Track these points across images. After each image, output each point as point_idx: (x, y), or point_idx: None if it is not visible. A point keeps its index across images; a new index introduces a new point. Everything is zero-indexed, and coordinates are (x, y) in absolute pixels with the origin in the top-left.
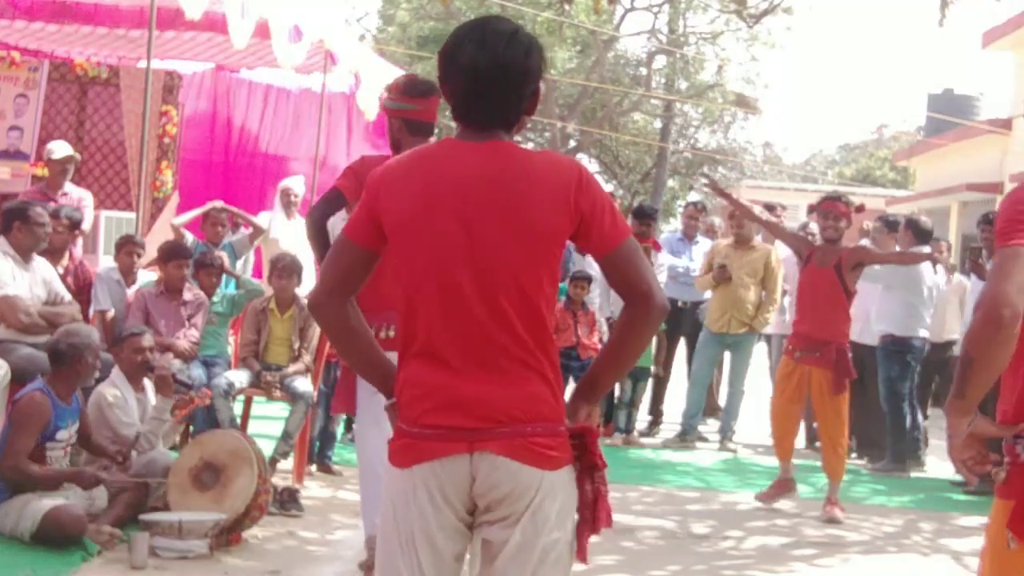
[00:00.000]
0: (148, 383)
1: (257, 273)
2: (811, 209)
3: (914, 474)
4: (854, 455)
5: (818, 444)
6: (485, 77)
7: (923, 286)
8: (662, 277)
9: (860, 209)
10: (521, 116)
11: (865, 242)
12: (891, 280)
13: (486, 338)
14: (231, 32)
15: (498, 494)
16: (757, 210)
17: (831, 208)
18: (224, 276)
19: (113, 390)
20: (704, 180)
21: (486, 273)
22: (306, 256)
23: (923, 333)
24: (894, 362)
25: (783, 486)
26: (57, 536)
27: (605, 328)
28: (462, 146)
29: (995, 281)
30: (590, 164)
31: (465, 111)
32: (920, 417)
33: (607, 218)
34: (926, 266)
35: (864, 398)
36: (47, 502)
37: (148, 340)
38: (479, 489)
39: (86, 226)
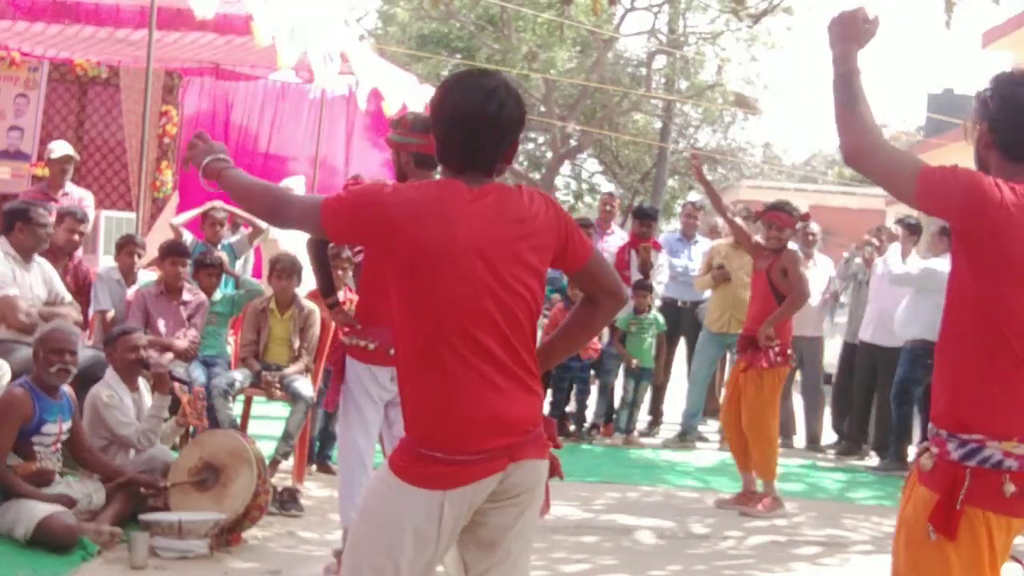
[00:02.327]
0: (143, 382)
1: (257, 273)
2: (756, 217)
3: None
4: (872, 457)
5: (826, 444)
6: (465, 127)
7: None
8: (663, 277)
9: (805, 217)
10: (500, 163)
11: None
12: (926, 284)
13: (508, 362)
14: (255, 31)
15: (519, 488)
16: (735, 213)
17: (775, 219)
18: (224, 276)
19: (107, 390)
20: (694, 162)
21: (506, 306)
22: (305, 256)
23: None
24: (919, 366)
25: (747, 497)
26: (49, 545)
27: (605, 328)
28: (465, 189)
29: (893, 152)
30: (590, 164)
31: (448, 156)
32: None
33: (577, 237)
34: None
35: (882, 399)
36: (42, 508)
37: (140, 338)
38: (504, 486)
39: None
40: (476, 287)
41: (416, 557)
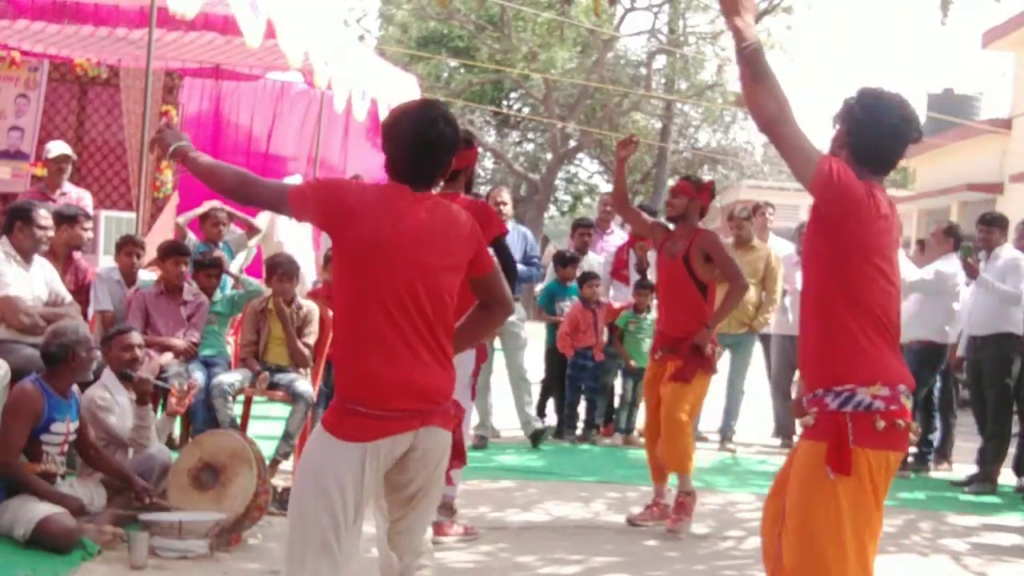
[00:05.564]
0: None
1: (257, 273)
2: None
3: (914, 474)
4: None
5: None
6: (409, 147)
7: (958, 290)
8: None
9: (706, 187)
10: (437, 177)
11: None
12: (938, 288)
13: (430, 339)
14: (244, 32)
15: (425, 456)
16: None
17: (673, 187)
18: (224, 276)
19: (103, 393)
20: (626, 147)
21: (432, 290)
22: (305, 257)
23: (952, 338)
24: (925, 369)
25: (658, 510)
26: (48, 546)
27: (606, 328)
28: (409, 192)
29: (801, 132)
30: (590, 164)
31: (395, 170)
32: (938, 422)
33: (485, 252)
34: (959, 269)
35: None
36: (42, 508)
37: (135, 337)
38: (413, 454)
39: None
40: (413, 270)
41: (345, 502)
